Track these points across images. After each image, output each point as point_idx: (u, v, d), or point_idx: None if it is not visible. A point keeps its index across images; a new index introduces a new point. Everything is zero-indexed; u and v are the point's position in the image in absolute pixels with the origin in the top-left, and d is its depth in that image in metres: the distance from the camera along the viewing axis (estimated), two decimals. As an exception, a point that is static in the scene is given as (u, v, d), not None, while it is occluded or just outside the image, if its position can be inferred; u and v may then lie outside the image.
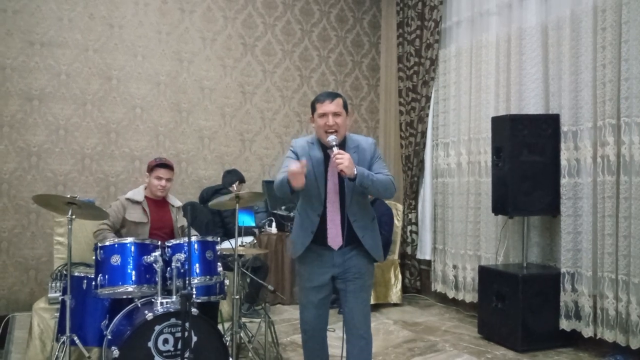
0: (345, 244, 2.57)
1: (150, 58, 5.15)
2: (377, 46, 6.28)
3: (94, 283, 2.83)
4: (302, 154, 2.57)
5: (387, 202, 5.48)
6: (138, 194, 3.49)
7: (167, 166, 3.48)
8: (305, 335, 2.73)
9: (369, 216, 2.65)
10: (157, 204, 3.53)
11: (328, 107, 2.50)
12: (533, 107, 4.28)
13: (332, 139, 2.43)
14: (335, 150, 2.39)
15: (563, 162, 4.00)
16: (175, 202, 3.64)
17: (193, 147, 5.36)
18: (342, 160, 2.33)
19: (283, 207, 5.28)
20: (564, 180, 3.98)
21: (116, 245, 2.85)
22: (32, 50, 4.69)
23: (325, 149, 2.53)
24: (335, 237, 2.56)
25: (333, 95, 2.55)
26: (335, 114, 2.49)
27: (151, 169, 3.48)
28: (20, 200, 4.62)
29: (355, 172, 2.37)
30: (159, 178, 3.45)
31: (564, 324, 3.88)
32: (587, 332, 3.74)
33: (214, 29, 5.45)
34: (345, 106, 2.57)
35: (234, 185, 4.69)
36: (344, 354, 2.65)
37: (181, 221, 3.59)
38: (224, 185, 4.84)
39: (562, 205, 3.97)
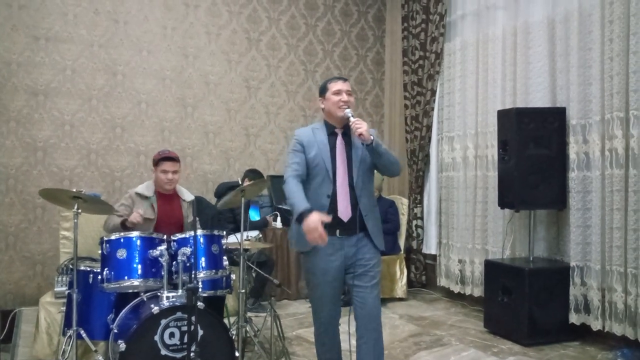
0: (353, 226, 2.59)
1: (156, 53, 5.15)
2: (382, 40, 6.25)
3: (99, 277, 2.83)
4: (309, 141, 2.66)
5: (391, 197, 5.48)
6: (148, 188, 3.45)
7: (171, 159, 3.42)
8: (320, 328, 2.75)
9: (373, 199, 2.75)
10: (167, 198, 3.48)
11: (342, 85, 2.69)
12: (540, 100, 4.26)
13: (348, 111, 2.61)
14: (353, 119, 2.55)
15: (572, 156, 3.97)
16: (187, 196, 3.54)
17: (198, 142, 5.36)
18: (361, 125, 2.50)
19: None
20: (573, 174, 3.96)
21: (122, 240, 2.85)
22: (38, 45, 4.69)
23: (330, 131, 2.69)
24: (345, 209, 2.62)
25: (344, 78, 2.77)
26: (348, 93, 2.67)
27: (156, 163, 3.44)
28: (26, 195, 4.63)
29: (372, 138, 2.52)
30: (165, 172, 3.40)
31: (574, 318, 3.86)
32: (596, 325, 3.72)
33: (218, 24, 5.43)
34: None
35: (244, 180, 4.67)
36: (352, 348, 2.65)
37: (192, 216, 3.54)
38: (241, 183, 4.77)
39: (572, 198, 3.95)
